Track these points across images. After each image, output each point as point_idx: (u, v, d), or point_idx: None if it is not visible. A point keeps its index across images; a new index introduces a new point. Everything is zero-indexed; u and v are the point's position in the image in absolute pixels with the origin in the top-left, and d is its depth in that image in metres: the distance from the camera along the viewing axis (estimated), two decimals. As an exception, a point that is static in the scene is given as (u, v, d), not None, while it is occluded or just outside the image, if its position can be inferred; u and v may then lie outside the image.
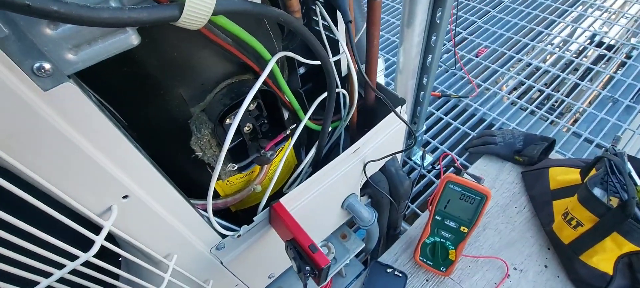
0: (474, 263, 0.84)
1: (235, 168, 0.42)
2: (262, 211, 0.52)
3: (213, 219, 0.43)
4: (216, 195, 0.53)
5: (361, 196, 0.74)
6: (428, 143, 1.15)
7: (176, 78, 0.35)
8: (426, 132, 1.18)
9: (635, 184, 0.71)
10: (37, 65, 0.21)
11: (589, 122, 1.12)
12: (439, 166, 1.08)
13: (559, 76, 1.29)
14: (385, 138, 0.63)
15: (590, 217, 0.72)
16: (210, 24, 0.29)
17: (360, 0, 0.73)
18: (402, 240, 0.91)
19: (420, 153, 1.09)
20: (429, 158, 1.09)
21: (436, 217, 0.80)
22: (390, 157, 0.59)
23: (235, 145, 0.46)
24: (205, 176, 0.44)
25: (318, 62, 0.40)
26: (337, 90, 0.52)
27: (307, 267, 0.48)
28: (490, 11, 1.63)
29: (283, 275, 0.73)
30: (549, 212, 0.83)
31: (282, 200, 0.51)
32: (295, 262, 0.49)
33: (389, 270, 0.86)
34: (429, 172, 1.09)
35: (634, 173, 0.72)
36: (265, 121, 0.46)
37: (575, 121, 1.18)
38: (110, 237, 0.30)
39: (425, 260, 0.84)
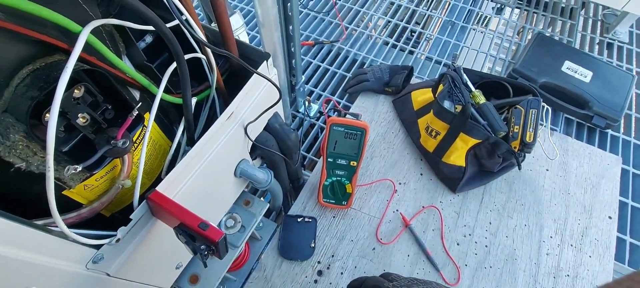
0: (368, 190, 0.95)
1: (79, 169, 0.36)
2: (138, 206, 0.46)
3: (70, 234, 0.37)
4: (78, 205, 0.45)
5: (253, 159, 0.73)
6: (312, 92, 1.19)
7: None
8: (307, 81, 1.21)
9: (470, 91, 0.87)
10: None
11: (437, 46, 1.31)
12: (324, 112, 1.13)
13: (411, 9, 1.45)
14: (260, 96, 0.62)
15: (444, 125, 0.87)
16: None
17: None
18: (306, 189, 0.96)
19: (306, 103, 1.12)
20: (315, 107, 1.14)
21: (328, 159, 0.85)
22: (265, 112, 0.59)
23: (77, 143, 0.38)
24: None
25: (152, 28, 0.35)
26: (190, 56, 0.48)
27: (203, 246, 0.46)
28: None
29: (194, 261, 0.70)
30: (416, 129, 0.97)
31: (159, 188, 0.47)
32: (188, 246, 0.47)
33: (299, 219, 0.90)
34: (317, 119, 1.13)
35: (469, 83, 0.88)
36: (109, 107, 0.39)
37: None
38: None
39: (328, 201, 0.90)
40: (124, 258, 0.48)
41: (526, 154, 0.86)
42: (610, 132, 1.10)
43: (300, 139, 1.09)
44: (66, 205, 0.43)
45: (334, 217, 0.91)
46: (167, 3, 0.39)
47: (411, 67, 1.08)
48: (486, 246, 0.86)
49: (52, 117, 0.28)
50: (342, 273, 0.82)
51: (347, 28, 1.36)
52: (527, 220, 0.90)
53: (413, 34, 1.38)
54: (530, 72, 1.09)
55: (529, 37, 1.31)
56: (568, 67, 1.10)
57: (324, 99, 1.16)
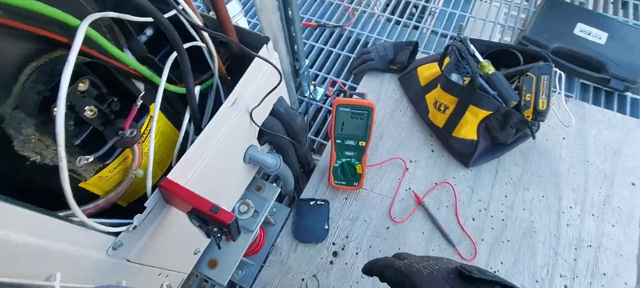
0: (379, 170, 0.95)
1: (91, 159, 0.37)
2: (152, 194, 0.48)
3: (89, 221, 0.39)
4: (95, 196, 0.47)
5: (262, 145, 0.74)
6: (317, 76, 1.18)
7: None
8: (312, 65, 1.20)
9: (478, 61, 0.85)
10: None
11: (442, 19, 1.28)
12: (329, 95, 1.13)
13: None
14: (262, 81, 0.62)
15: (452, 99, 0.85)
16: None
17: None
18: (316, 172, 0.96)
19: (311, 87, 1.12)
20: (321, 90, 1.13)
21: (337, 141, 0.85)
22: (269, 96, 0.59)
23: (87, 136, 0.40)
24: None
25: (150, 19, 0.36)
26: (189, 44, 0.48)
27: (215, 229, 0.47)
28: None
29: (211, 246, 0.72)
30: (424, 105, 0.96)
31: (170, 175, 0.48)
32: (202, 229, 0.48)
33: (312, 203, 0.91)
34: (324, 103, 1.13)
35: (476, 53, 0.86)
36: (115, 99, 0.40)
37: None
38: None
39: (339, 182, 0.91)
40: (143, 245, 0.51)
41: (540, 123, 0.83)
42: (630, 94, 1.05)
43: (308, 123, 1.10)
44: (84, 197, 0.45)
45: (346, 198, 0.92)
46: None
47: (416, 43, 1.06)
48: (503, 220, 0.85)
49: (60, 109, 0.29)
50: (357, 253, 0.83)
51: (349, 7, 1.34)
52: (545, 192, 0.88)
53: (416, 8, 1.34)
54: (540, 38, 1.05)
55: (539, 2, 1.26)
56: (581, 29, 1.05)
57: (329, 82, 1.16)
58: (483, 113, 0.83)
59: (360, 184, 0.90)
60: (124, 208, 0.55)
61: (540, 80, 0.76)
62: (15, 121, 0.31)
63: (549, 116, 0.79)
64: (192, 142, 0.59)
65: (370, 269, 0.50)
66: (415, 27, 1.28)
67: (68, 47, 0.32)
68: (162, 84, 0.43)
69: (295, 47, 0.94)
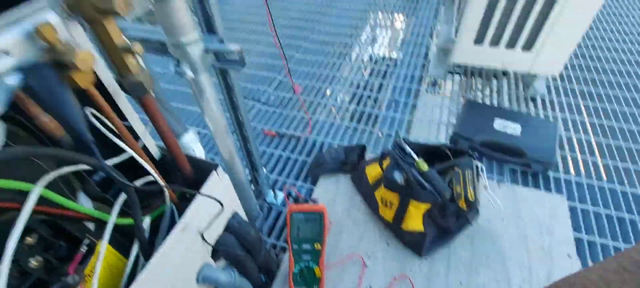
0: (340, 268, 0.96)
1: (31, 311, 0.38)
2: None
3: None
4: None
5: (216, 260, 0.75)
6: (276, 181, 1.25)
7: None
8: (272, 171, 1.28)
9: (414, 160, 0.96)
10: None
11: (387, 122, 1.45)
12: (286, 201, 1.18)
13: (358, 94, 1.62)
14: (212, 204, 0.67)
15: (395, 195, 0.94)
16: None
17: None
18: (278, 279, 0.96)
19: (271, 193, 1.17)
20: (281, 195, 1.19)
21: (294, 246, 0.88)
22: (216, 218, 0.63)
23: (31, 285, 0.41)
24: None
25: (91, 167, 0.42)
26: (142, 181, 0.54)
27: None
28: (295, 55, 1.92)
29: None
30: (374, 201, 1.03)
31: (115, 311, 0.49)
32: None
33: (275, 314, 0.89)
34: (285, 206, 1.18)
35: (412, 153, 0.98)
36: (62, 244, 0.43)
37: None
38: None
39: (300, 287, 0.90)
40: None
41: (478, 209, 0.92)
42: (551, 173, 1.20)
43: (271, 227, 1.12)
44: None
45: (309, 304, 0.91)
46: (116, 141, 0.47)
47: (363, 145, 1.18)
48: (461, 308, 0.87)
49: (3, 274, 0.32)
50: None
51: (310, 118, 1.49)
52: (495, 274, 0.93)
53: (362, 114, 1.52)
54: (467, 133, 1.22)
55: (462, 103, 1.48)
56: (499, 124, 1.24)
57: (287, 187, 1.23)
58: (424, 205, 0.91)
59: (321, 287, 0.90)
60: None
61: (465, 174, 0.87)
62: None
63: (486, 200, 0.88)
64: (141, 268, 0.60)
65: None
66: (365, 131, 1.43)
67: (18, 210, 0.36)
68: (111, 224, 0.47)
69: (252, 159, 1.02)
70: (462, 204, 0.88)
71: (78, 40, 0.38)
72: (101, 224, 0.52)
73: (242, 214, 0.81)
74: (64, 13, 0.35)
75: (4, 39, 0.30)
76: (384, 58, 1.94)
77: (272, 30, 1.00)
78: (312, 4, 2.39)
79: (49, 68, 0.33)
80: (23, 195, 0.37)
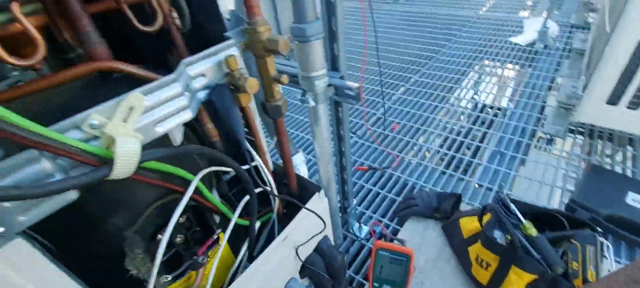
0: (418, 321, 0.91)
1: (170, 278, 0.47)
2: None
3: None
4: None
5: (302, 278, 0.80)
6: (363, 214, 1.27)
7: (110, 210, 0.42)
8: (360, 204, 1.30)
9: (521, 221, 0.87)
10: (-5, 230, 0.27)
11: (487, 174, 1.35)
12: (372, 235, 1.18)
13: (459, 141, 1.56)
14: (312, 221, 0.72)
15: (494, 257, 0.85)
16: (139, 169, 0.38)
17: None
18: (353, 314, 0.95)
19: (357, 225, 1.19)
20: (365, 229, 1.20)
21: (374, 284, 0.87)
22: (314, 238, 0.68)
23: (170, 257, 0.51)
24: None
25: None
26: (258, 189, 0.62)
27: None
28: (395, 94, 1.95)
29: None
30: (467, 258, 0.95)
31: (222, 299, 0.56)
32: None
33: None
34: (367, 241, 1.18)
35: (518, 213, 0.89)
36: (197, 229, 0.53)
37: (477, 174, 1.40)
38: None
39: (375, 328, 0.88)
40: None
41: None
42: None
43: (350, 260, 1.13)
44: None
45: (382, 348, 0.87)
46: (245, 154, 0.56)
47: (459, 195, 1.12)
48: None
49: (164, 239, 0.41)
50: None
51: (398, 155, 1.49)
52: None
53: (461, 162, 1.45)
54: (590, 202, 1.05)
55: (584, 167, 1.29)
56: (633, 198, 1.04)
57: (373, 222, 1.23)
58: (528, 276, 0.81)
59: (398, 333, 0.86)
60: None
61: (586, 251, 0.75)
62: (132, 242, 0.44)
63: None
64: (244, 267, 0.67)
65: None
66: (461, 179, 1.35)
67: (181, 193, 0.46)
68: (233, 220, 0.55)
69: (345, 187, 1.06)
70: (578, 284, 0.75)
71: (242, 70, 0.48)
72: (223, 219, 0.61)
73: (332, 238, 0.85)
74: (242, 50, 0.45)
75: (203, 65, 0.41)
76: (491, 107, 1.83)
77: (365, 63, 1.05)
78: (422, 48, 2.42)
79: (227, 88, 0.43)
80: (185, 182, 0.47)
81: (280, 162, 0.71)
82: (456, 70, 2.08)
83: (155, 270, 0.42)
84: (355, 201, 1.14)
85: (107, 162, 0.32)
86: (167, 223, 0.44)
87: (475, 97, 1.87)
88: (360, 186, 1.38)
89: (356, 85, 0.65)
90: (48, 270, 0.33)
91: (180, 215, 0.48)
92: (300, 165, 0.98)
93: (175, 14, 0.46)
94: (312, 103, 0.66)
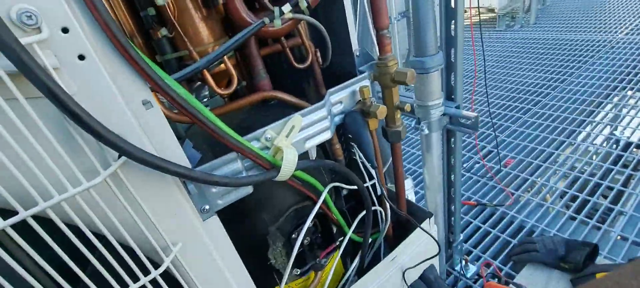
0: None
1: (299, 272, 0.55)
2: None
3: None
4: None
5: (401, 306, 0.80)
6: (470, 252, 1.19)
7: (262, 206, 0.52)
8: (466, 240, 1.23)
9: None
10: (206, 207, 0.39)
11: (633, 224, 1.11)
12: (482, 276, 1.09)
13: (594, 182, 1.33)
14: (420, 247, 0.73)
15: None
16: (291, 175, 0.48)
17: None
18: None
19: (462, 263, 1.12)
20: (472, 268, 1.12)
21: (485, 328, 0.81)
22: (423, 262, 0.68)
23: (297, 255, 0.60)
24: (273, 283, 0.57)
25: (355, 187, 0.57)
26: (373, 208, 0.67)
27: None
28: (510, 126, 1.79)
29: None
30: (606, 321, 0.80)
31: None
32: None
33: None
34: (475, 282, 1.10)
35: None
36: (319, 235, 0.60)
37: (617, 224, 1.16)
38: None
39: None
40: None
41: None
42: None
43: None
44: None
45: None
46: (362, 169, 0.62)
47: (595, 245, 0.96)
48: None
49: (301, 236, 0.49)
50: None
51: (513, 194, 1.36)
52: None
53: (598, 207, 1.23)
54: None
55: None
56: None
57: (484, 262, 1.14)
58: None
59: None
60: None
61: None
62: (274, 236, 0.53)
63: None
64: (351, 280, 0.72)
65: None
66: (597, 227, 1.15)
67: (312, 199, 0.54)
68: (349, 233, 0.61)
69: (452, 220, 1.03)
70: None
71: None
72: (338, 231, 0.67)
73: (438, 270, 0.83)
74: (371, 81, 0.52)
75: (342, 94, 0.50)
76: (638, 146, 1.52)
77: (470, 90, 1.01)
78: (541, 77, 2.19)
79: (359, 114, 0.50)
80: (314, 191, 0.56)
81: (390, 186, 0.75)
82: (588, 101, 1.81)
83: (291, 261, 0.51)
84: (461, 236, 1.09)
85: (274, 166, 0.42)
86: (300, 225, 0.53)
87: (615, 132, 1.58)
88: (467, 221, 1.30)
89: (474, 114, 0.65)
90: (225, 243, 0.44)
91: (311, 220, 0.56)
92: (409, 190, 1.00)
93: (318, 53, 0.57)
94: (426, 131, 0.69)
